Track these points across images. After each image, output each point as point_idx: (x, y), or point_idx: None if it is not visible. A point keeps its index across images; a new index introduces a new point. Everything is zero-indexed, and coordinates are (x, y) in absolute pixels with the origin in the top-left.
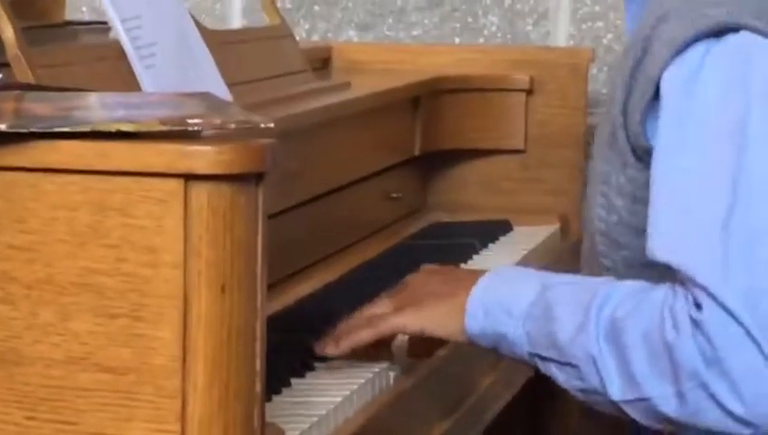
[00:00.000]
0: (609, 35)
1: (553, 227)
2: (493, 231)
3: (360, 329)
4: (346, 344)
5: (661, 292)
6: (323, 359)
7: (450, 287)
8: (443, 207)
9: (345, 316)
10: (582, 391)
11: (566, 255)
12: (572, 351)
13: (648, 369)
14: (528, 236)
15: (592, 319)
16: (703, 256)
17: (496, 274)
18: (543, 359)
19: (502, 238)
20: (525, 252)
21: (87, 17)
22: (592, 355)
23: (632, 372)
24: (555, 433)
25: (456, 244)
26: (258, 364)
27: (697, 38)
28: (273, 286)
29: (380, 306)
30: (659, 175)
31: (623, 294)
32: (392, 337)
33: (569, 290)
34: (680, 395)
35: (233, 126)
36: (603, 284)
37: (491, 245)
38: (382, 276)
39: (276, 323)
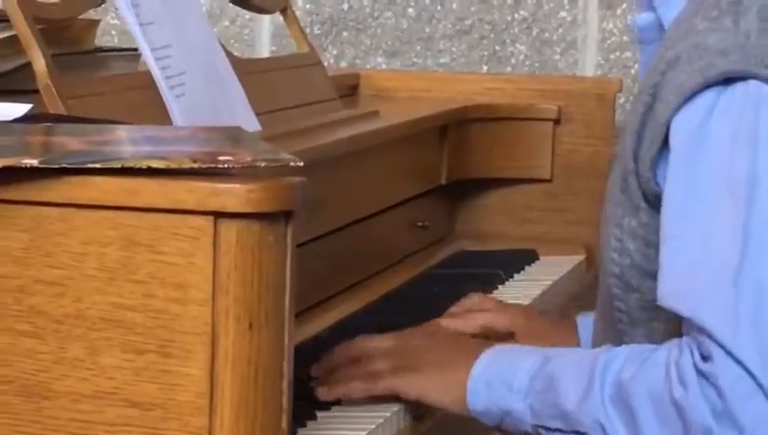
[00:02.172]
0: (637, 65)
1: (579, 258)
2: (519, 261)
3: (355, 382)
4: (338, 393)
5: (665, 350)
6: None
7: (451, 357)
8: (469, 235)
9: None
10: None
11: (591, 285)
12: (579, 419)
13: (658, 430)
14: (554, 267)
15: (596, 384)
16: (713, 309)
17: (497, 350)
18: (550, 430)
19: (527, 268)
20: (551, 282)
21: (117, 41)
22: (599, 421)
23: (642, 434)
24: None
25: (482, 273)
26: (285, 401)
27: (706, 85)
28: (298, 316)
29: (377, 360)
30: (669, 223)
31: (625, 357)
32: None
33: (570, 360)
34: None
35: (263, 164)
36: (604, 350)
37: (516, 275)
38: (408, 306)
39: (302, 354)
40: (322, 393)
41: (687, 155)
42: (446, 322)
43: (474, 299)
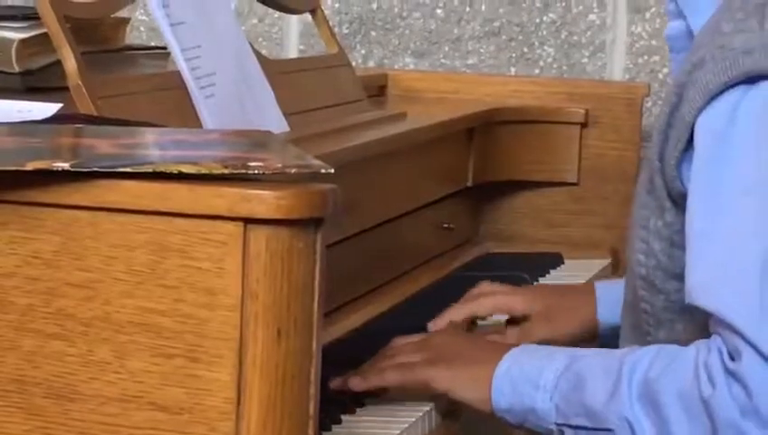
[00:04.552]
0: (665, 69)
1: (605, 261)
2: (544, 263)
3: (389, 371)
4: (373, 383)
5: (693, 349)
6: (374, 395)
7: (479, 354)
8: (495, 237)
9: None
10: None
11: None
12: (606, 416)
13: (687, 427)
14: (579, 270)
15: (624, 382)
16: (740, 304)
17: (522, 349)
18: (575, 428)
19: (553, 271)
20: None
21: (145, 37)
22: (627, 418)
23: (670, 431)
24: None
25: (507, 276)
26: (312, 407)
27: (731, 84)
28: (325, 317)
29: (408, 354)
30: (694, 221)
31: (653, 356)
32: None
33: (596, 359)
34: None
35: (293, 171)
36: (631, 350)
37: (541, 278)
38: (433, 308)
39: (327, 356)
40: (356, 384)
41: (712, 154)
42: (458, 305)
43: (484, 285)
